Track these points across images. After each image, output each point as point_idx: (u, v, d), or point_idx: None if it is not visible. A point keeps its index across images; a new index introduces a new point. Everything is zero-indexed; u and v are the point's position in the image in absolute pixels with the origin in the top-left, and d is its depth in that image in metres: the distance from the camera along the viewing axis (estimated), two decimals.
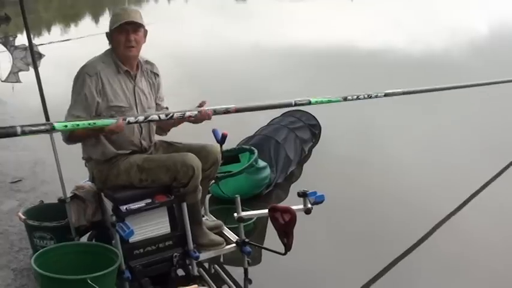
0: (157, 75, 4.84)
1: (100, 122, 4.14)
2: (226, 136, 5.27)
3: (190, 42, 19.42)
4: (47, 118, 4.54)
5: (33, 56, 5.19)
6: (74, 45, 18.59)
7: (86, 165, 4.76)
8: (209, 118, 4.56)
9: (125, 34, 4.45)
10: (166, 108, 4.93)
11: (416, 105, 9.32)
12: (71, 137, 4.36)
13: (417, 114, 9.73)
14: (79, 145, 4.62)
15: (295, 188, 7.00)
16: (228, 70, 14.49)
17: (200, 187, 4.67)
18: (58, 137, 4.51)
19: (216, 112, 4.59)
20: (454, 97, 8.76)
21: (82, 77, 4.39)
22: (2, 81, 13.69)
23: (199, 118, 4.52)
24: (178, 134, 5.05)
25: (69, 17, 31.85)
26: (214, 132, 5.32)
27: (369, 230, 5.99)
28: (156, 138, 4.92)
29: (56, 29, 25.91)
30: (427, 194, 6.78)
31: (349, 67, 14.14)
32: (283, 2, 34.41)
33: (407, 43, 17.82)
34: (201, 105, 4.59)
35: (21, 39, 18.48)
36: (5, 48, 15.49)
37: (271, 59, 16.04)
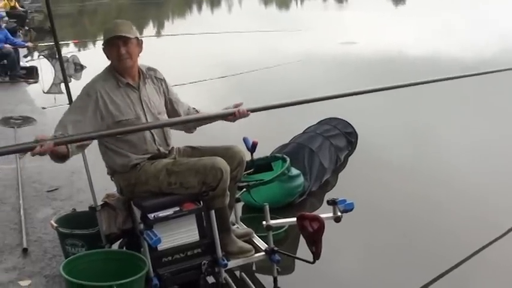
0: (162, 79, 4.89)
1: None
2: (256, 144, 5.30)
3: (237, 50, 19.55)
4: None
5: (63, 70, 5.25)
6: None
7: (112, 180, 4.81)
8: (241, 117, 4.70)
9: (116, 48, 4.50)
10: (195, 109, 5.02)
11: (462, 108, 9.22)
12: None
13: (464, 117, 9.60)
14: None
15: (329, 196, 6.93)
16: (277, 78, 14.59)
17: (228, 192, 4.68)
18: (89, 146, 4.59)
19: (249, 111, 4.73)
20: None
21: (82, 96, 4.50)
22: (44, 92, 13.90)
23: (236, 116, 4.68)
24: (205, 139, 5.08)
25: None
26: (244, 140, 5.34)
27: (406, 241, 5.92)
28: (179, 143, 4.95)
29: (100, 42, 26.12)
30: (479, 203, 6.68)
31: (398, 74, 13.92)
32: (329, 10, 34.44)
33: (457, 49, 17.72)
34: (237, 105, 4.71)
35: (65, 52, 18.85)
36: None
37: (319, 67, 16.12)
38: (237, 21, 31.18)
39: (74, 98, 4.95)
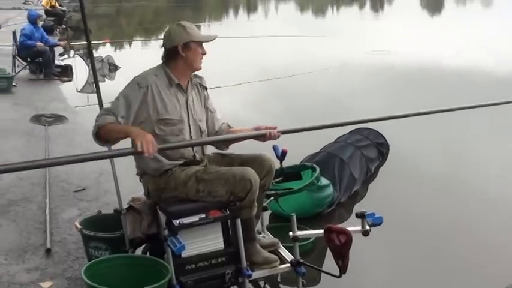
0: (206, 88, 4.88)
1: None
2: (286, 153, 5.22)
3: (272, 55, 19.58)
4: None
5: (94, 70, 5.23)
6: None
7: (140, 180, 4.75)
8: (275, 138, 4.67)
9: (202, 48, 4.61)
10: (227, 124, 4.94)
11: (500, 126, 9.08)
12: (100, 132, 4.32)
13: (503, 135, 9.46)
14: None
15: (358, 207, 6.85)
16: (314, 85, 14.59)
17: (256, 203, 4.61)
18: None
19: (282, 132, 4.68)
20: None
21: (132, 85, 4.48)
22: (77, 91, 13.94)
23: (266, 138, 4.63)
24: (236, 144, 5.01)
25: (151, 31, 32.39)
26: (274, 148, 5.26)
27: (435, 257, 5.78)
28: (210, 149, 4.91)
29: (138, 43, 26.22)
30: None
31: (435, 85, 14.07)
32: (366, 20, 34.35)
33: (492, 61, 17.53)
34: (269, 128, 4.65)
35: (101, 52, 19.01)
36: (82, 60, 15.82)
37: (356, 76, 16.05)
38: (273, 26, 31.15)
39: (104, 98, 4.97)
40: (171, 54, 4.60)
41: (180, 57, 4.56)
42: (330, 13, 44.97)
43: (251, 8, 54.80)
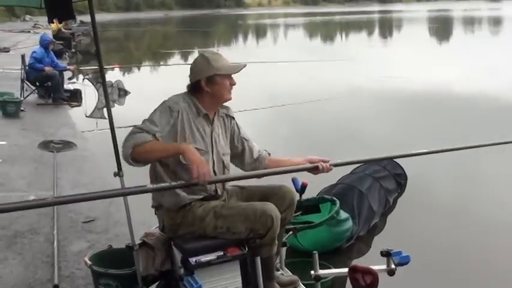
0: (233, 117, 4.62)
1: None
2: (306, 186, 5.05)
3: (283, 81, 19.65)
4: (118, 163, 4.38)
5: (106, 94, 5.01)
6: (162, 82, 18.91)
7: (155, 214, 4.49)
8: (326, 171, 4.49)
9: (230, 79, 4.35)
10: (267, 152, 4.72)
11: None
12: (139, 150, 4.01)
13: None
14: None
15: (377, 241, 6.67)
16: (324, 112, 14.59)
17: (276, 241, 4.36)
18: (127, 178, 4.32)
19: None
20: None
21: (163, 108, 4.20)
22: (86, 116, 13.76)
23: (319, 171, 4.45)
24: None
25: (159, 55, 32.41)
26: (293, 181, 5.06)
27: None
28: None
29: (147, 68, 26.17)
30: None
31: (443, 112, 14.05)
32: (374, 47, 34.36)
33: (498, 87, 17.43)
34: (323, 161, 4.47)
35: (110, 76, 18.91)
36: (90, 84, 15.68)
37: (366, 102, 15.95)
38: (282, 53, 31.15)
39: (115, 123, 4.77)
40: (196, 87, 4.35)
41: (204, 91, 4.31)
42: (339, 39, 44.94)
43: (260, 34, 54.98)
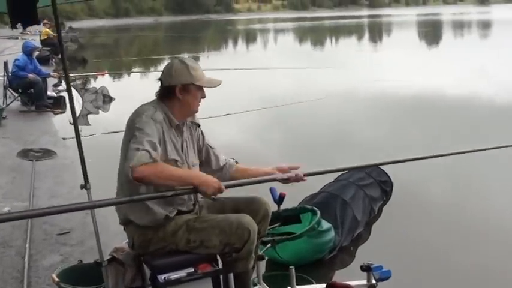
0: (198, 125, 4.44)
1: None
2: (284, 196, 4.89)
3: (272, 85, 19.70)
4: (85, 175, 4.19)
5: (72, 103, 4.81)
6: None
7: (124, 230, 4.29)
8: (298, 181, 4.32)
9: (202, 92, 4.20)
10: (234, 160, 4.56)
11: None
12: (150, 173, 3.71)
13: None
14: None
15: (361, 252, 6.47)
16: (316, 116, 14.43)
17: (253, 255, 4.19)
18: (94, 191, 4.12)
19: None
20: None
21: (147, 120, 3.95)
22: (70, 123, 13.55)
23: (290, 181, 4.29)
24: None
25: (148, 62, 32.23)
26: (271, 190, 4.91)
27: None
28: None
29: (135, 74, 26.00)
30: None
31: (434, 115, 14.03)
32: (364, 51, 34.30)
33: (493, 91, 17.40)
34: (292, 168, 4.33)
35: (97, 83, 18.81)
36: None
37: (356, 106, 15.90)
38: (270, 57, 31.08)
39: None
40: (167, 92, 4.16)
41: (176, 98, 4.13)
42: (329, 45, 44.87)
43: (250, 39, 54.90)
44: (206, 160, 4.44)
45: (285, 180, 4.28)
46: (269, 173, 4.33)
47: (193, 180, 3.82)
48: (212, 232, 4.03)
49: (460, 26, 60.53)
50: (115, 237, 5.49)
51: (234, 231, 4.00)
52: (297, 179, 4.25)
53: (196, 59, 32.09)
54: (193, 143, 4.36)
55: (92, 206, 4.04)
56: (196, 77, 4.13)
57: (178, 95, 4.11)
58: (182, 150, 4.18)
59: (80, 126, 12.80)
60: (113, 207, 4.28)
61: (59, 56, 25.70)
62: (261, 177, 4.29)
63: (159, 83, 4.22)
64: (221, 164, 4.46)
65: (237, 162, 4.54)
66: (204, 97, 4.23)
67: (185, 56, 33.45)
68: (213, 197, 3.83)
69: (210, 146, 4.47)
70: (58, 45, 24.23)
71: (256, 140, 11.94)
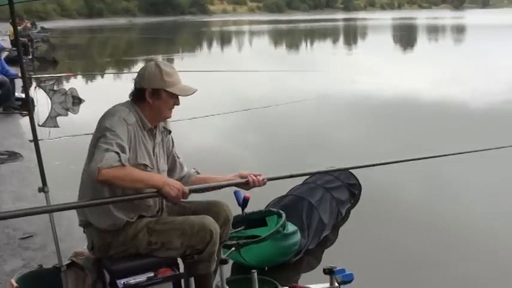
0: (170, 131, 4.38)
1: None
2: (248, 199, 4.89)
3: (249, 87, 19.88)
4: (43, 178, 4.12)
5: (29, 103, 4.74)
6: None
7: (84, 232, 4.22)
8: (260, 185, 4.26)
9: (175, 99, 4.09)
10: (195, 170, 4.50)
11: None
12: (115, 176, 3.64)
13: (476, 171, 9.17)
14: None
15: (328, 255, 6.44)
16: (287, 118, 14.56)
17: (215, 257, 4.13)
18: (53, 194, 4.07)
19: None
20: None
21: (118, 120, 3.87)
22: (39, 125, 13.41)
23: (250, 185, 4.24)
24: None
25: (122, 63, 32.07)
26: (236, 194, 4.88)
27: None
28: None
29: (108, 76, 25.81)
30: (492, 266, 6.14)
31: (408, 119, 14.09)
32: (339, 54, 34.42)
33: (466, 95, 17.60)
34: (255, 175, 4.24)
35: (68, 84, 18.65)
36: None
37: (330, 110, 15.96)
38: (246, 60, 31.06)
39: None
40: (139, 95, 4.08)
41: (146, 102, 4.05)
42: (304, 47, 44.95)
43: (225, 41, 54.88)
44: (171, 168, 4.39)
45: (245, 185, 4.23)
46: (230, 179, 4.28)
47: (156, 182, 3.77)
48: (173, 234, 3.98)
49: (434, 30, 60.95)
50: (79, 241, 5.42)
51: (195, 233, 3.95)
52: (257, 182, 4.19)
53: (171, 60, 32.07)
54: (164, 148, 4.30)
55: (49, 210, 3.99)
56: (168, 83, 4.02)
57: (148, 99, 4.03)
58: (154, 155, 4.12)
59: (48, 128, 12.77)
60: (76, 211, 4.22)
61: (29, 56, 25.65)
62: (223, 182, 4.25)
63: (133, 84, 4.15)
64: (182, 174, 4.42)
65: (198, 173, 4.48)
66: (177, 104, 4.13)
67: (159, 57, 33.38)
68: (176, 201, 3.79)
69: (177, 156, 4.42)
70: (29, 45, 24.03)
71: (229, 143, 11.92)
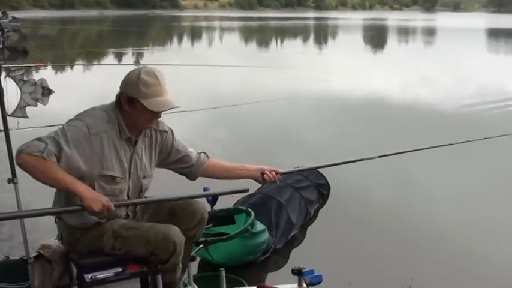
0: (165, 131, 4.22)
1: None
2: (217, 197, 4.79)
3: (219, 84, 19.87)
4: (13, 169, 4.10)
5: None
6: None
7: (55, 222, 4.15)
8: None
9: (154, 113, 3.88)
10: (205, 154, 4.42)
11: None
12: (20, 160, 3.54)
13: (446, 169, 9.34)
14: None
15: (295, 255, 6.46)
16: (260, 117, 14.64)
17: (180, 265, 4.08)
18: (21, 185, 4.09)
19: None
20: None
21: (80, 126, 3.73)
22: (8, 115, 13.27)
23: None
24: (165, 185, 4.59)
25: (92, 55, 31.89)
26: (205, 191, 4.82)
27: None
28: None
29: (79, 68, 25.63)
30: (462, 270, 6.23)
31: (378, 120, 14.20)
32: (307, 54, 34.51)
33: (433, 96, 17.97)
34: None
35: (39, 74, 18.50)
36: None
37: (299, 110, 15.93)
38: (216, 56, 31.00)
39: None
40: (117, 99, 3.91)
41: (123, 108, 3.88)
42: (274, 45, 45.05)
43: (195, 35, 54.77)
44: (178, 160, 4.30)
45: (262, 180, 4.33)
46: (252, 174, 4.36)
47: (79, 192, 3.59)
48: (138, 242, 3.90)
49: (404, 32, 61.42)
50: (47, 233, 5.39)
51: (159, 243, 3.87)
52: (274, 178, 4.32)
53: (140, 54, 31.93)
54: (152, 153, 4.17)
55: (21, 216, 3.95)
56: (143, 93, 3.79)
57: (124, 106, 3.86)
58: (131, 163, 3.99)
59: (17, 118, 12.66)
60: (45, 203, 4.17)
61: (0, 46, 25.43)
62: (242, 173, 4.38)
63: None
64: (193, 162, 4.33)
65: (208, 157, 4.41)
66: (157, 117, 3.96)
67: (128, 50, 33.22)
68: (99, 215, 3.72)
69: (180, 151, 4.28)
70: None
71: (197, 140, 11.92)
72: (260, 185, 7.03)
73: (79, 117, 3.80)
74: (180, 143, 4.31)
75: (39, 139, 3.57)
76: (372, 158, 5.14)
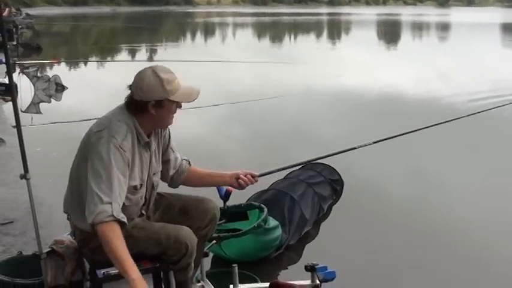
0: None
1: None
2: (230, 193, 4.84)
3: (234, 79, 20.01)
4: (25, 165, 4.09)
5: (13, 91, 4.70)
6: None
7: (68, 219, 4.12)
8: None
9: (175, 108, 3.91)
10: (187, 161, 4.39)
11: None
12: (104, 237, 3.55)
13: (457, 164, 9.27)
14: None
15: (308, 251, 6.44)
16: (275, 112, 14.59)
17: (192, 265, 4.06)
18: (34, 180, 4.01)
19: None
20: None
21: (116, 152, 3.67)
22: (22, 111, 13.35)
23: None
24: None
25: (105, 51, 31.94)
26: (217, 187, 4.81)
27: None
28: None
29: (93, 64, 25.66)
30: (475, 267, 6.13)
31: (392, 115, 13.96)
32: (321, 49, 34.47)
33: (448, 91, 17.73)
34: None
35: (52, 71, 18.55)
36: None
37: (313, 105, 15.89)
38: (230, 52, 31.00)
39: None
40: (138, 107, 3.83)
41: (148, 114, 3.84)
42: (288, 41, 44.99)
43: (208, 32, 54.79)
44: (166, 161, 4.27)
45: (238, 186, 4.30)
46: (226, 180, 4.35)
47: (128, 275, 3.50)
48: (150, 243, 3.89)
49: (418, 27, 61.20)
50: (60, 229, 5.39)
51: (171, 244, 3.85)
52: (250, 181, 4.27)
53: (154, 50, 31.95)
54: (159, 148, 4.15)
55: None
56: (172, 91, 3.81)
57: (151, 111, 3.82)
58: (150, 166, 3.99)
59: (31, 114, 12.78)
60: (58, 198, 4.17)
61: (14, 43, 25.51)
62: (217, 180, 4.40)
63: (128, 91, 3.90)
64: (176, 168, 4.32)
65: (189, 164, 4.40)
66: (180, 107, 3.94)
67: (142, 46, 33.25)
68: None
69: (173, 149, 4.29)
70: (13, 31, 23.86)
71: (214, 136, 11.92)
72: (274, 180, 7.15)
73: (106, 140, 3.70)
74: (173, 142, 4.32)
75: (101, 200, 3.55)
76: (368, 145, 5.09)
